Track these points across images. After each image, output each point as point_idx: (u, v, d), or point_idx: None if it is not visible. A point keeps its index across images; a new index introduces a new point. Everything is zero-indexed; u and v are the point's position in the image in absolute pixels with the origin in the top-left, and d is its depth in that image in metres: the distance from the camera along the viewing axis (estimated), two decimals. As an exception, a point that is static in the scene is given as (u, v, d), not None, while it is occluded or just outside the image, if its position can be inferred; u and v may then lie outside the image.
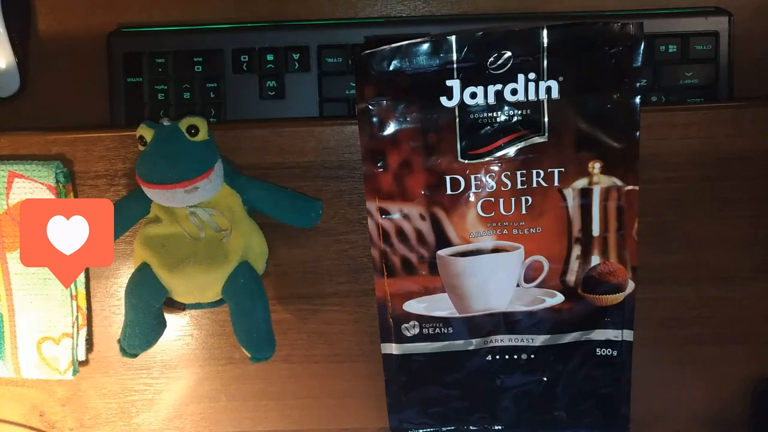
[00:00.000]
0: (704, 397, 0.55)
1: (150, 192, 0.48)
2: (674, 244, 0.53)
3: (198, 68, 0.61)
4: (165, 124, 0.49)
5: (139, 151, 0.49)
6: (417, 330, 0.52)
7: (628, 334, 0.52)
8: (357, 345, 0.55)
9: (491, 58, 0.46)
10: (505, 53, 0.46)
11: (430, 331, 0.52)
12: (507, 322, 0.52)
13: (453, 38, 0.45)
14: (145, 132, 0.48)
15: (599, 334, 0.52)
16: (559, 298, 0.51)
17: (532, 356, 0.53)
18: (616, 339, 0.52)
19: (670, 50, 0.60)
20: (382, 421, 0.55)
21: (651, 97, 0.61)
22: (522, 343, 0.52)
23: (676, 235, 0.53)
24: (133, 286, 0.50)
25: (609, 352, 0.52)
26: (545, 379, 0.53)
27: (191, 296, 0.51)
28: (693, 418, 0.55)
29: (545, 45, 0.46)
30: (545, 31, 0.46)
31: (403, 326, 0.52)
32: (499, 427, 0.54)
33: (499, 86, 0.47)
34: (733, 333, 0.54)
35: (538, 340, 0.52)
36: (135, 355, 0.51)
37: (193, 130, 0.48)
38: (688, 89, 0.61)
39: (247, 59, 0.61)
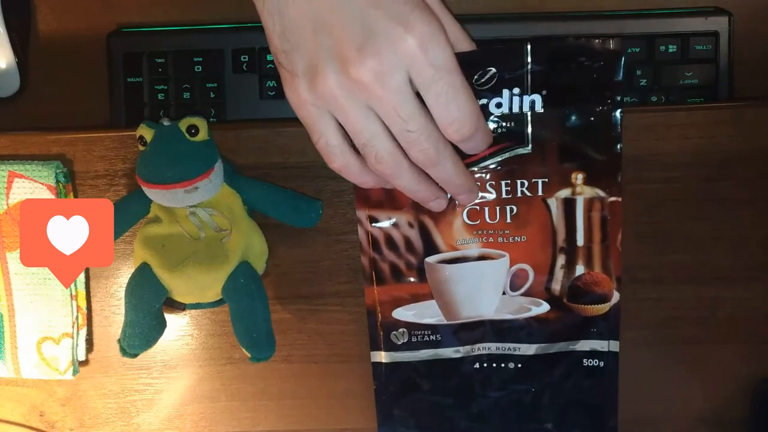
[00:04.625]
0: (704, 397, 0.55)
1: (150, 192, 0.48)
2: (674, 244, 0.53)
3: (198, 68, 0.61)
4: (165, 124, 0.49)
5: (139, 151, 0.49)
6: (406, 338, 0.52)
7: (614, 345, 0.52)
8: (357, 345, 0.55)
9: (476, 75, 0.47)
10: (491, 70, 0.47)
11: (419, 339, 0.52)
12: (494, 329, 0.52)
13: None
14: (145, 132, 0.48)
15: (585, 345, 0.52)
16: (545, 307, 0.51)
17: (519, 365, 0.53)
18: (602, 350, 0.52)
19: (670, 50, 0.60)
20: (382, 421, 0.55)
21: (651, 97, 0.61)
22: (509, 352, 0.52)
23: (676, 235, 0.53)
24: (133, 286, 0.50)
25: (595, 362, 0.52)
26: (533, 389, 0.53)
27: (191, 296, 0.51)
28: (693, 418, 0.55)
29: (529, 60, 0.47)
30: (529, 47, 0.47)
31: (392, 333, 0.52)
32: None
33: (484, 100, 0.47)
34: (733, 333, 0.54)
35: (525, 349, 0.52)
36: (135, 355, 0.51)
37: (193, 130, 0.48)
38: (688, 89, 0.61)
39: (247, 59, 0.61)
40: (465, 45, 0.45)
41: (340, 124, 0.42)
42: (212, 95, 0.62)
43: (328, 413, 0.56)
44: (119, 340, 0.51)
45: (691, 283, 0.53)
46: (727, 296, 0.53)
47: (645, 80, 0.61)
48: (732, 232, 0.53)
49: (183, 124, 0.48)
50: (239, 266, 0.50)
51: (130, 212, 0.51)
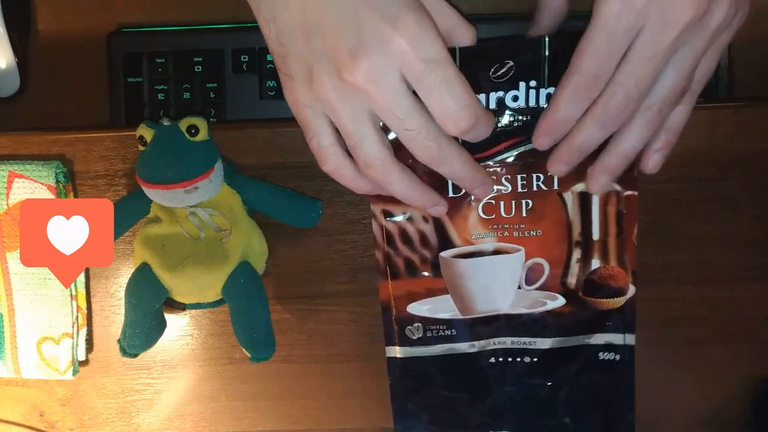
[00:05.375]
0: (704, 397, 0.55)
1: (150, 192, 0.48)
2: (674, 244, 0.53)
3: (198, 68, 0.61)
4: (165, 124, 0.49)
5: (139, 151, 0.49)
6: (421, 332, 0.52)
7: (630, 338, 0.52)
8: (357, 345, 0.55)
9: (493, 68, 0.46)
10: (508, 63, 0.47)
11: (434, 334, 0.52)
12: (509, 324, 0.52)
13: (456, 50, 0.45)
14: (145, 132, 0.48)
15: (601, 338, 0.52)
16: (561, 301, 0.51)
17: (535, 359, 0.53)
18: (618, 343, 0.52)
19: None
20: (382, 421, 0.55)
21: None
22: (524, 346, 0.52)
23: (676, 235, 0.53)
24: (133, 286, 0.50)
25: (612, 356, 0.52)
26: (548, 383, 0.53)
27: (191, 296, 0.51)
28: (693, 419, 0.55)
29: (546, 54, 0.46)
30: (547, 40, 0.46)
31: (407, 328, 0.52)
32: None
33: (501, 93, 0.47)
34: (733, 333, 0.54)
35: (541, 343, 0.52)
36: (135, 355, 0.51)
37: (193, 130, 0.48)
38: (688, 89, 0.61)
39: (247, 59, 0.61)
40: (462, 31, 0.44)
41: (336, 128, 0.43)
42: (212, 95, 0.62)
43: (328, 413, 0.56)
44: (119, 340, 0.51)
45: (692, 283, 0.53)
46: (727, 296, 0.53)
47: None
48: (732, 232, 0.53)
49: (183, 124, 0.48)
50: (239, 266, 0.50)
51: (130, 212, 0.51)
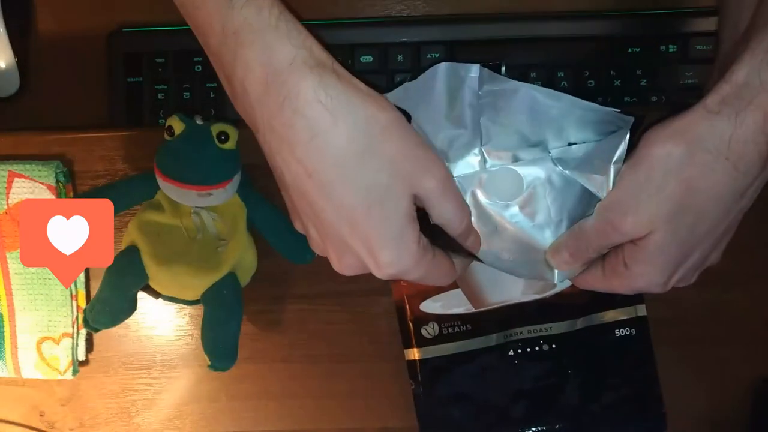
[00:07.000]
0: (704, 397, 0.55)
1: (163, 184, 0.48)
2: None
3: (198, 68, 0.61)
4: (198, 122, 0.48)
5: (164, 140, 0.48)
6: (437, 331, 0.53)
7: (641, 310, 0.52)
8: (357, 345, 0.55)
9: None
10: None
11: (450, 331, 0.53)
12: (523, 313, 0.52)
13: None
14: (176, 124, 0.48)
15: (614, 314, 0.53)
16: (568, 280, 0.52)
17: (554, 346, 0.53)
18: (630, 317, 0.53)
19: (670, 50, 0.60)
20: (382, 421, 0.55)
21: (651, 97, 0.61)
22: (541, 333, 0.53)
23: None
24: (117, 266, 0.49)
25: (627, 331, 0.53)
26: (569, 371, 0.53)
27: (171, 291, 0.50)
28: (693, 418, 0.55)
29: None
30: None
31: (422, 328, 0.53)
32: (537, 429, 0.54)
33: None
34: (733, 334, 0.54)
35: (557, 327, 0.52)
36: (97, 330, 0.50)
37: (223, 136, 0.48)
38: (688, 89, 0.61)
39: (247, 59, 0.61)
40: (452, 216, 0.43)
41: None
42: (212, 95, 0.62)
43: (328, 413, 0.56)
44: (85, 311, 0.50)
45: (692, 285, 0.53)
46: (727, 297, 0.53)
47: (645, 80, 0.61)
48: (733, 235, 0.52)
49: (215, 129, 0.48)
50: (226, 276, 0.49)
51: (137, 192, 0.51)
